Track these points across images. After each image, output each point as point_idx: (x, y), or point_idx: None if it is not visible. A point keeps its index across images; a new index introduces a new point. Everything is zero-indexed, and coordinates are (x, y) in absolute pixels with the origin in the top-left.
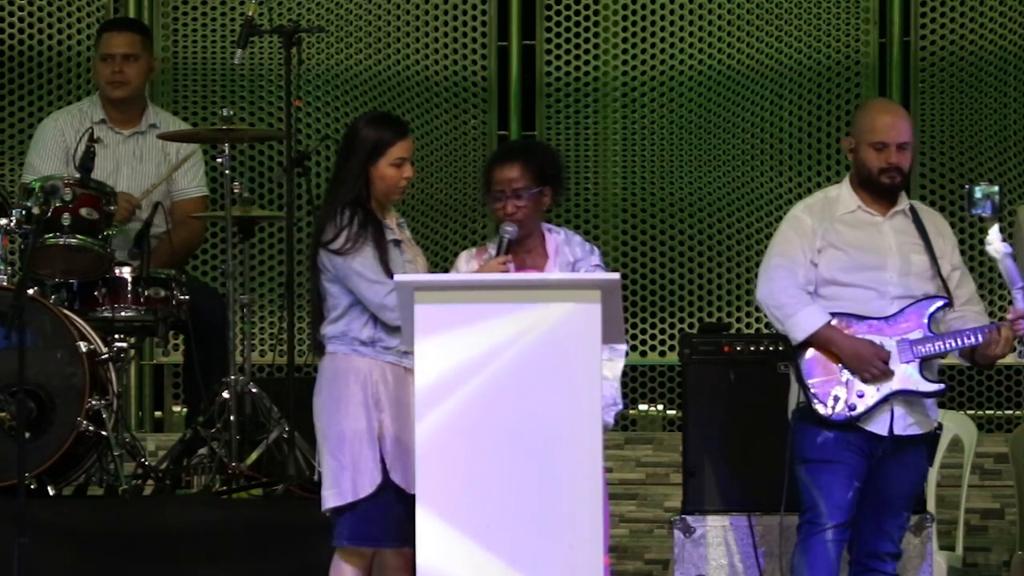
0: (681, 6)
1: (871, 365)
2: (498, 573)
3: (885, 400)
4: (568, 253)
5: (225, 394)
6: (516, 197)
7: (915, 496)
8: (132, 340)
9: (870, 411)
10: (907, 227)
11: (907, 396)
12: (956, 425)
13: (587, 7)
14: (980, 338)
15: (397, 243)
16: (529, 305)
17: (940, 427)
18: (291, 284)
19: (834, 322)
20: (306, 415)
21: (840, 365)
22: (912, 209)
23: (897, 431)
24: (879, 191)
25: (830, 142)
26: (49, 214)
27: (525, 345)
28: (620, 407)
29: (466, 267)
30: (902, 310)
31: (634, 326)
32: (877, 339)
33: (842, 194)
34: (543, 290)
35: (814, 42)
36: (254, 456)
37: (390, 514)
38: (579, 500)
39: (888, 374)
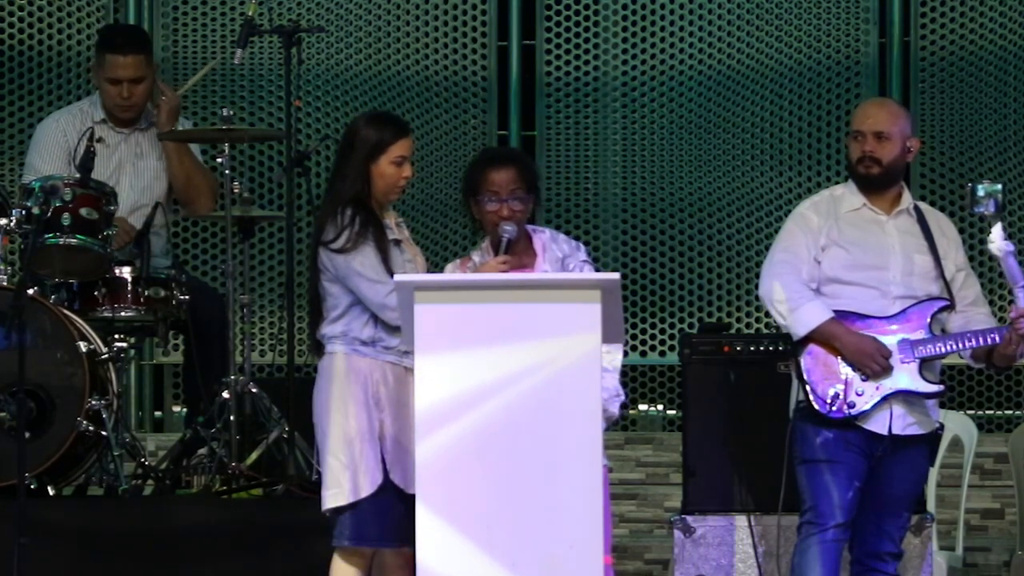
0: (681, 6)
1: (873, 361)
2: (498, 573)
3: (884, 400)
4: (556, 250)
5: (225, 394)
6: (513, 199)
7: (916, 496)
8: (132, 340)
9: (869, 410)
10: (911, 227)
11: (906, 396)
12: (956, 425)
13: (587, 7)
14: (985, 340)
15: (397, 243)
16: (529, 305)
17: (941, 427)
18: (291, 284)
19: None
20: (306, 415)
21: (841, 363)
22: (916, 208)
23: (896, 431)
24: (862, 183)
25: (830, 142)
26: (49, 214)
27: (525, 345)
28: (623, 398)
29: None
30: (904, 310)
31: (634, 326)
32: (878, 338)
33: (847, 192)
34: (543, 290)
35: (814, 42)
36: (254, 456)
37: (390, 514)
38: (579, 500)
39: (889, 370)
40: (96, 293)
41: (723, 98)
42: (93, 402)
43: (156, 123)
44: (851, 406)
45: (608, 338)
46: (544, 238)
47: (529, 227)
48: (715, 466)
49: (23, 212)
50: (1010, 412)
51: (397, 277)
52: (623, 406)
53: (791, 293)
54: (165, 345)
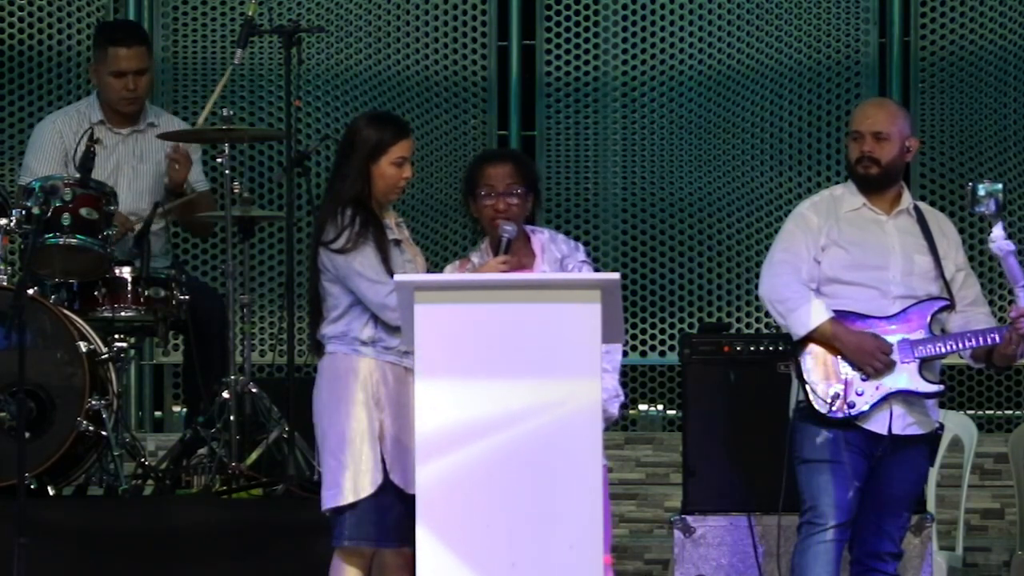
0: (681, 6)
1: (874, 359)
2: (498, 573)
3: (884, 400)
4: (555, 250)
5: (225, 394)
6: (508, 195)
7: (916, 496)
8: (132, 340)
9: (869, 410)
10: (911, 227)
11: (906, 396)
12: (956, 425)
13: (587, 7)
14: (985, 340)
15: (397, 243)
16: (529, 305)
17: (941, 427)
18: (291, 284)
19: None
20: (306, 415)
21: (841, 363)
22: (916, 209)
23: (896, 430)
24: (861, 183)
25: (830, 142)
26: (49, 214)
27: (524, 345)
28: (623, 398)
29: None
30: (904, 310)
31: (634, 326)
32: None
33: (847, 192)
34: (543, 290)
35: (814, 42)
36: (254, 456)
37: (390, 514)
38: (579, 500)
39: (891, 367)
40: (96, 293)
41: (723, 98)
42: (93, 402)
43: (168, 182)
44: (851, 406)
45: (608, 338)
46: (543, 238)
47: (528, 227)
48: (715, 466)
49: (23, 212)
50: (1010, 412)
51: (397, 277)
52: (623, 406)
53: (791, 293)
54: (165, 345)
